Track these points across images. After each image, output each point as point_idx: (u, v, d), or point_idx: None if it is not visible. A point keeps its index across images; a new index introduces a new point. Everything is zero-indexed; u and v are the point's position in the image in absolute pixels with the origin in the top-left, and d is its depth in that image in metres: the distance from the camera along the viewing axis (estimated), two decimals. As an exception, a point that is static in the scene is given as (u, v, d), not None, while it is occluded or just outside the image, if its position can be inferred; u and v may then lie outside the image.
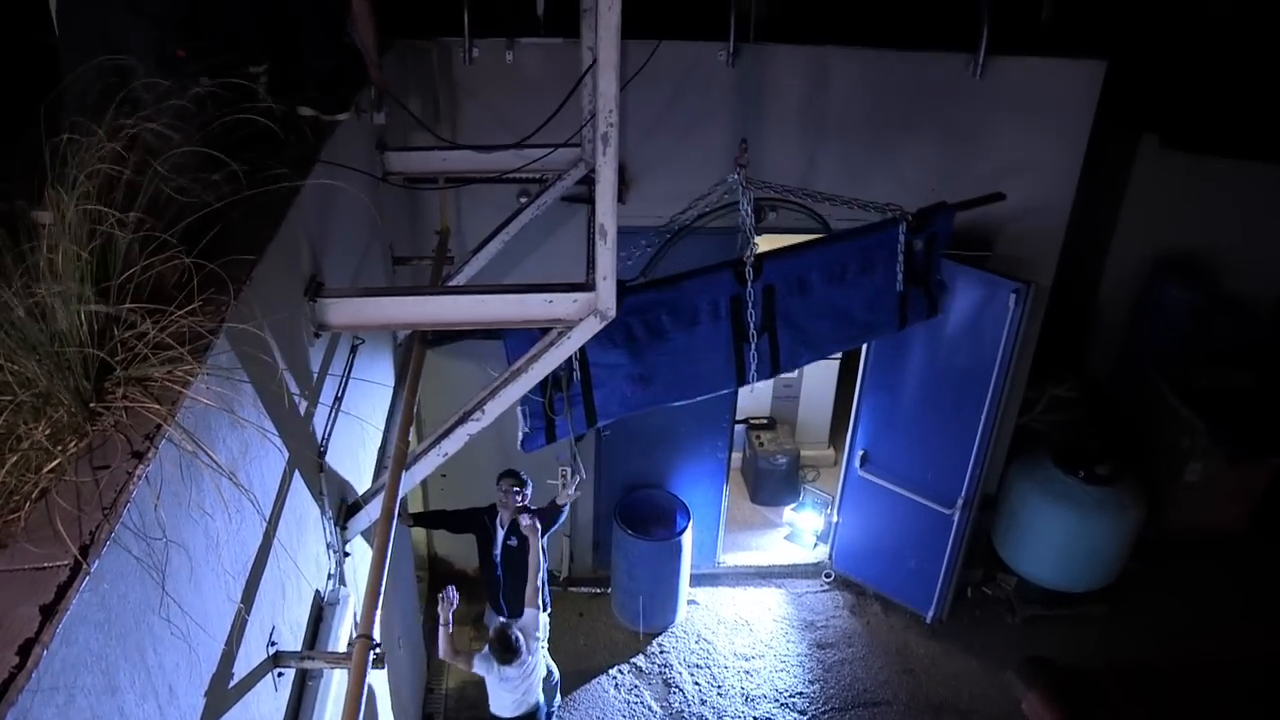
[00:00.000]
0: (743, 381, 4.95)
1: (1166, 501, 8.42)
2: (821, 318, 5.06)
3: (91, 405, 2.26)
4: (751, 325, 4.68)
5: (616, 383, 4.53)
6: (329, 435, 3.87)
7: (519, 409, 4.47)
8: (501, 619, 6.64)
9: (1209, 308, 8.69)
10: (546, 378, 4.14)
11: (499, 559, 6.47)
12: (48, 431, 2.19)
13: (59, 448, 2.15)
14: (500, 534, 6.43)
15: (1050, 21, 6.64)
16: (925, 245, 5.19)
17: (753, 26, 6.11)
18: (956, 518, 7.36)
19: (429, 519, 6.99)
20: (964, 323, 6.87)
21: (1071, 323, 9.00)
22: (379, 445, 4.87)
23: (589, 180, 5.22)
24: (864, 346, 7.43)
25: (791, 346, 5.01)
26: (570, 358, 4.19)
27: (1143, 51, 7.47)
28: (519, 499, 6.29)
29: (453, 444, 3.94)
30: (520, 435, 4.60)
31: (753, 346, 4.75)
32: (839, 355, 8.79)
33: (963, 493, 7.26)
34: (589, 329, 3.71)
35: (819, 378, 9.44)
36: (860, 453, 7.78)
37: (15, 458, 2.08)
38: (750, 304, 4.62)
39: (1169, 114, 8.20)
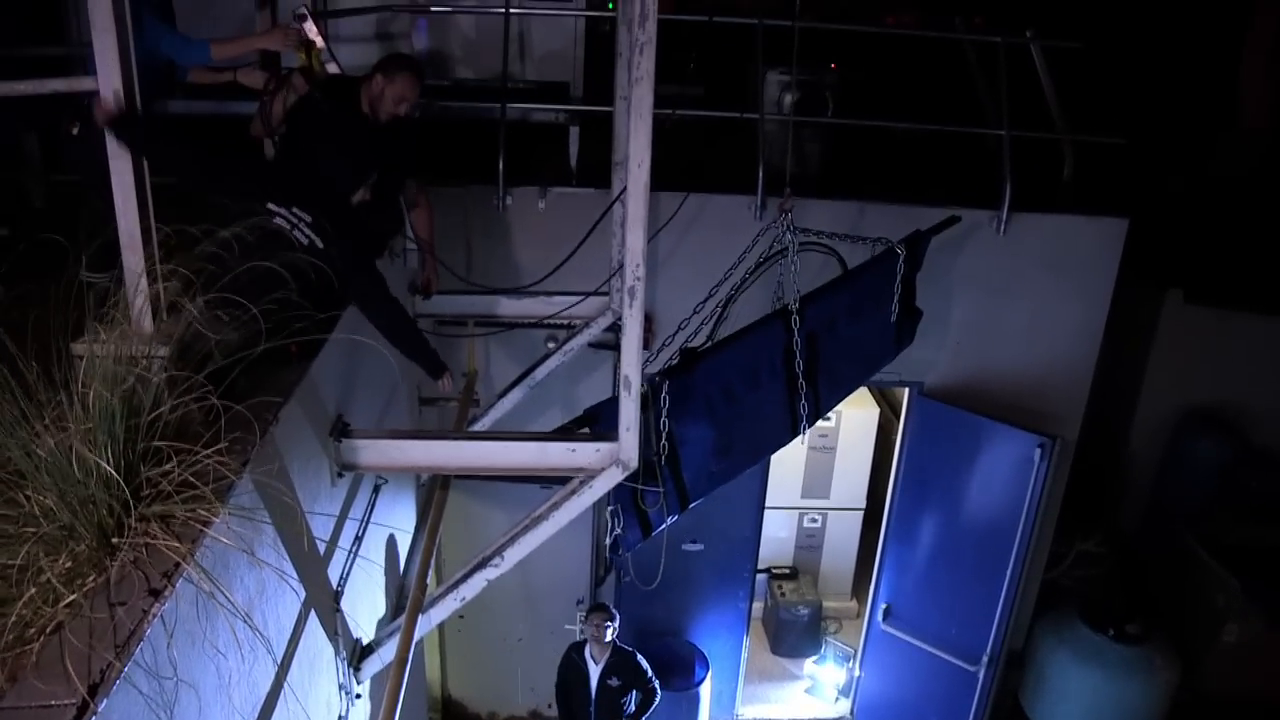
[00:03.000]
0: (796, 433, 4.95)
1: (1204, 664, 8.16)
2: (848, 359, 5.14)
3: (113, 540, 2.29)
4: (800, 374, 4.68)
5: (703, 458, 4.41)
6: (347, 575, 3.86)
7: (606, 510, 4.22)
8: None
9: (1238, 462, 8.59)
10: (637, 469, 3.78)
11: (594, 696, 6.35)
12: (68, 565, 2.21)
13: (77, 582, 2.16)
14: (595, 670, 6.34)
15: (1072, 179, 6.77)
16: (910, 272, 5.34)
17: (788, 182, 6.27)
18: (982, 675, 7.16)
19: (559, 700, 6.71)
20: (989, 476, 6.82)
21: (1099, 476, 8.90)
22: (397, 584, 4.84)
23: (616, 327, 5.31)
24: (888, 497, 7.38)
25: (828, 391, 5.03)
26: (661, 438, 4.07)
27: (1165, 208, 7.59)
28: (609, 633, 6.24)
29: (470, 589, 3.92)
30: (610, 538, 4.32)
31: (803, 396, 4.75)
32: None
33: (988, 649, 7.07)
34: (611, 479, 3.71)
35: (843, 528, 9.32)
36: (883, 606, 7.63)
37: (33, 590, 2.10)
38: (798, 353, 4.62)
39: (1193, 269, 8.28)
